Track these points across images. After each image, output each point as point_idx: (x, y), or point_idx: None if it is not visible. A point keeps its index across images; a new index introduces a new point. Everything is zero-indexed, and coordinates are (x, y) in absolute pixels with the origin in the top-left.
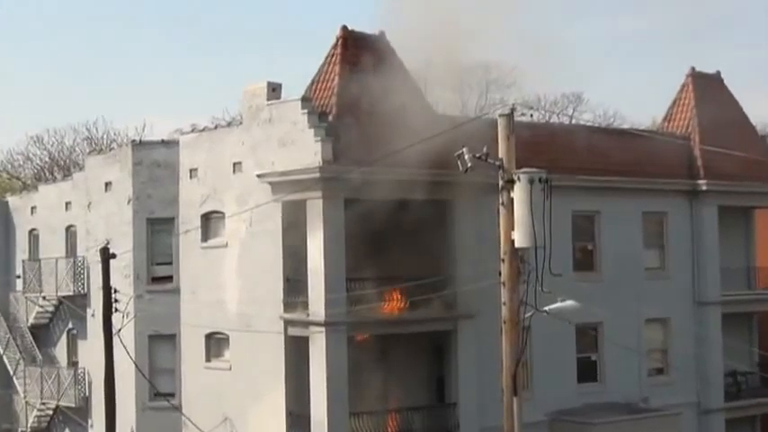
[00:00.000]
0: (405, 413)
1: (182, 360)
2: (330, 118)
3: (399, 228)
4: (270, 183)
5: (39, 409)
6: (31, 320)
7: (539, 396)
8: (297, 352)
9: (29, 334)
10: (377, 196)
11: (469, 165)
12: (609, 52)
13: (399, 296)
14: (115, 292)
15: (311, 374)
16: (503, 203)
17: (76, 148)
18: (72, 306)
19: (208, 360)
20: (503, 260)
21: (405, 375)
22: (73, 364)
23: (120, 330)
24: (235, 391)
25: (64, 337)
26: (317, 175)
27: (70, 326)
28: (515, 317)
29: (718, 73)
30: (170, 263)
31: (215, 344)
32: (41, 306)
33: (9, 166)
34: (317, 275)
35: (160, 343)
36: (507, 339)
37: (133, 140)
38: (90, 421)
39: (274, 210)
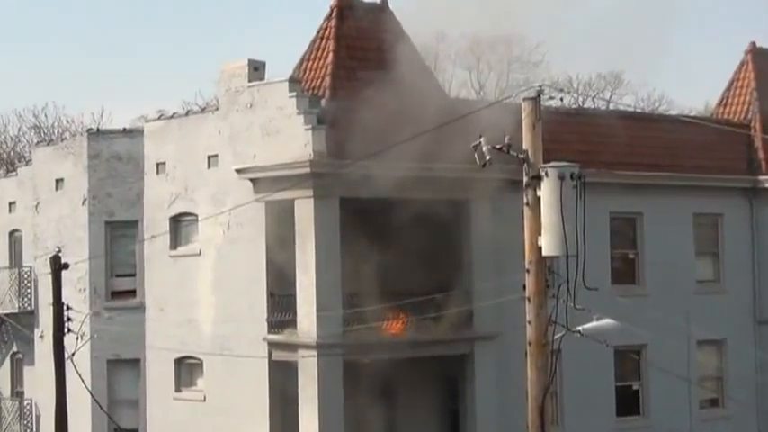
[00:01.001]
0: None
1: (147, 390)
2: (323, 102)
3: (405, 233)
4: (251, 179)
5: None
6: None
7: None
8: (283, 380)
9: None
10: (379, 196)
11: (488, 158)
12: (654, 24)
13: (405, 314)
14: (68, 309)
15: (300, 407)
16: (528, 204)
17: (22, 139)
18: (16, 325)
19: (178, 390)
20: (527, 271)
21: (412, 408)
22: (17, 394)
23: (73, 354)
24: (210, 426)
25: (7, 362)
26: (308, 170)
27: (15, 349)
28: (543, 338)
29: None
30: (133, 274)
31: (186, 370)
32: None
33: None
34: (308, 290)
35: (121, 369)
36: (533, 365)
37: (89, 129)
38: None
39: (257, 212)
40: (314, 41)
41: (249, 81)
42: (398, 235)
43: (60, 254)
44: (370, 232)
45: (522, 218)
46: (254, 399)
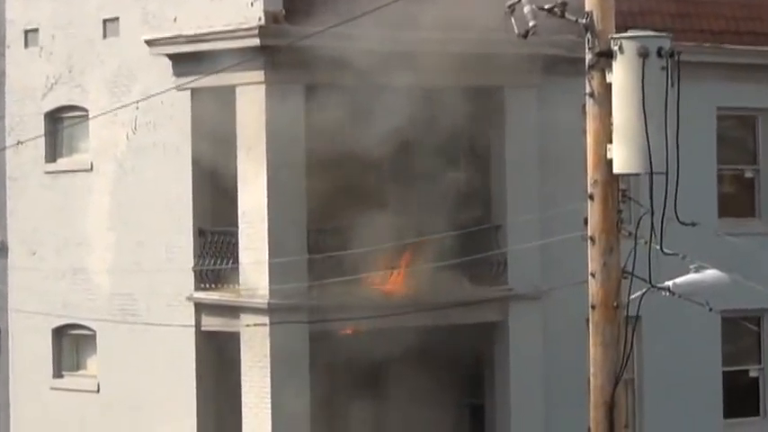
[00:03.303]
0: None
1: (10, 376)
2: None
3: (404, 140)
4: (170, 56)
5: None
6: None
7: None
8: (218, 360)
9: None
10: (363, 82)
11: (532, 24)
12: None
13: (404, 262)
14: None
15: (244, 400)
16: (592, 94)
17: None
18: None
19: (58, 375)
20: (590, 197)
21: (413, 403)
22: None
23: None
24: (107, 428)
25: None
26: (256, 41)
27: None
28: (613, 299)
29: None
30: None
31: (71, 346)
32: None
33: None
34: (256, 223)
35: None
36: (598, 340)
37: None
38: None
39: (179, 105)
40: None
41: None
42: (395, 145)
43: None
44: (351, 139)
45: (584, 116)
46: (173, 388)
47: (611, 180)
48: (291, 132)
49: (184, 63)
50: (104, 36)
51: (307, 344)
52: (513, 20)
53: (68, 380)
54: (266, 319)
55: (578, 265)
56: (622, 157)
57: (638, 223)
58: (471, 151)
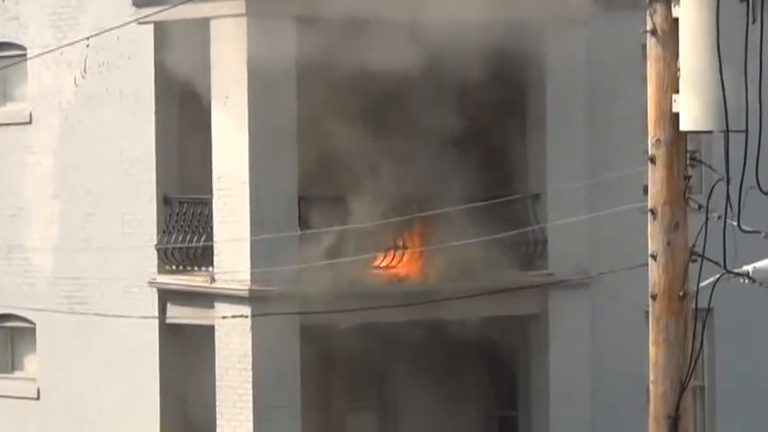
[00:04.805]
0: None
1: None
2: None
3: (419, 90)
4: None
5: None
6: None
7: None
8: (186, 360)
9: None
10: (371, 15)
11: None
12: None
13: (416, 241)
14: None
15: (219, 409)
16: (654, 31)
17: None
18: None
19: None
20: (651, 161)
21: (428, 415)
22: None
23: None
24: None
25: None
26: None
27: None
28: (678, 287)
29: None
30: None
31: (4, 342)
32: None
33: None
34: (235, 192)
35: None
36: (659, 336)
37: None
38: None
39: (139, 43)
40: None
41: None
42: (407, 92)
43: None
44: (353, 85)
45: (644, 60)
46: (131, 394)
47: (678, 139)
48: (279, 77)
49: None
50: None
51: (296, 341)
52: None
53: (2, 383)
54: (247, 310)
55: (636, 244)
56: (691, 110)
57: (711, 193)
58: (503, 102)
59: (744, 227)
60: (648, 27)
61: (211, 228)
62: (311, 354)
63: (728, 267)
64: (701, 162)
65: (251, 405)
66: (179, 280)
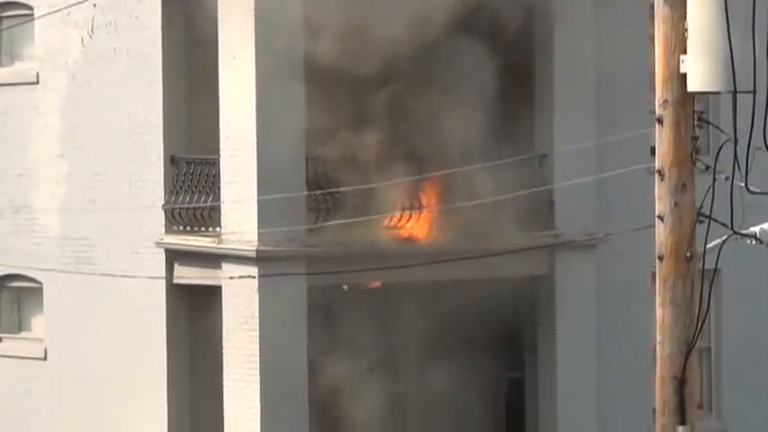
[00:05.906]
0: None
1: None
2: None
3: (430, 46)
4: None
5: None
6: None
7: (732, 424)
8: (193, 320)
9: None
10: None
11: None
12: None
13: (426, 202)
14: None
15: (227, 370)
16: None
17: None
18: None
19: None
20: (658, 121)
21: (437, 378)
22: None
23: None
24: (56, 404)
25: None
26: None
27: None
28: (685, 248)
29: None
30: None
31: (11, 303)
32: None
33: None
34: (243, 152)
35: None
36: (666, 298)
37: None
38: None
39: (146, 3)
40: None
41: None
42: (417, 46)
43: None
44: (366, 39)
45: (651, 19)
46: (138, 354)
47: (685, 100)
48: (287, 32)
49: None
50: None
51: (304, 301)
52: None
53: (8, 344)
54: (254, 271)
55: (642, 205)
56: (699, 71)
57: (718, 154)
58: (510, 61)
59: (751, 188)
60: None
61: (218, 188)
62: (319, 313)
63: (735, 228)
64: (708, 123)
65: (258, 365)
66: (186, 240)
